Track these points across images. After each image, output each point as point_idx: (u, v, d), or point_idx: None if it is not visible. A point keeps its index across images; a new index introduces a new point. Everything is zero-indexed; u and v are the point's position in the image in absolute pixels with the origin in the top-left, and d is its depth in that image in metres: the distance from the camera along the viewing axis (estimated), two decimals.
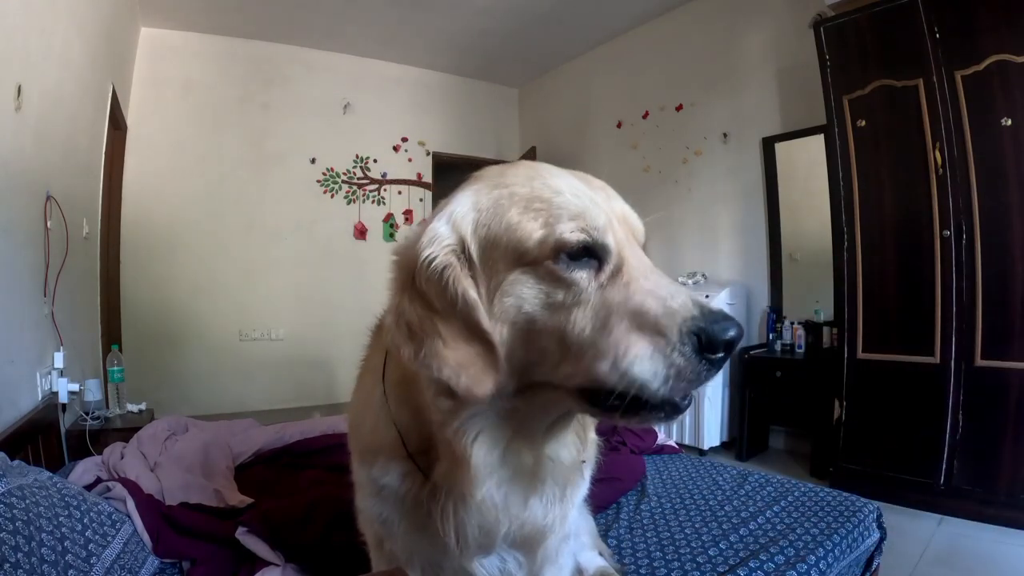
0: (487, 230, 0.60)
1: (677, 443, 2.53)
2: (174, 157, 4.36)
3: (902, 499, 2.54)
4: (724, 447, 3.56)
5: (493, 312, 0.59)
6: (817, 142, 3.35)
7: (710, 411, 3.46)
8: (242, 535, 1.25)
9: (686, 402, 0.57)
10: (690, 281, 3.84)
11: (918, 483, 2.54)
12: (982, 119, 2.38)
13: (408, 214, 5.37)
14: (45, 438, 1.89)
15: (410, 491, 0.73)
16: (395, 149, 5.34)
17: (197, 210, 4.46)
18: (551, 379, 0.59)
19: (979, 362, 2.41)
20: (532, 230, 0.57)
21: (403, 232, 5.30)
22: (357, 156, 5.14)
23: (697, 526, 1.45)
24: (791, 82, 3.54)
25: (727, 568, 1.23)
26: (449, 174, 6.46)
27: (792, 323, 3.43)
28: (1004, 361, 2.34)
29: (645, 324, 0.54)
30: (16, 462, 1.18)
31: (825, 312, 3.33)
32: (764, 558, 1.26)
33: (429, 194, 5.50)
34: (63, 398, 2.11)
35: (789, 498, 1.59)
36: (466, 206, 0.61)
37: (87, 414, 2.29)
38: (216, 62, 4.54)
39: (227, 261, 4.60)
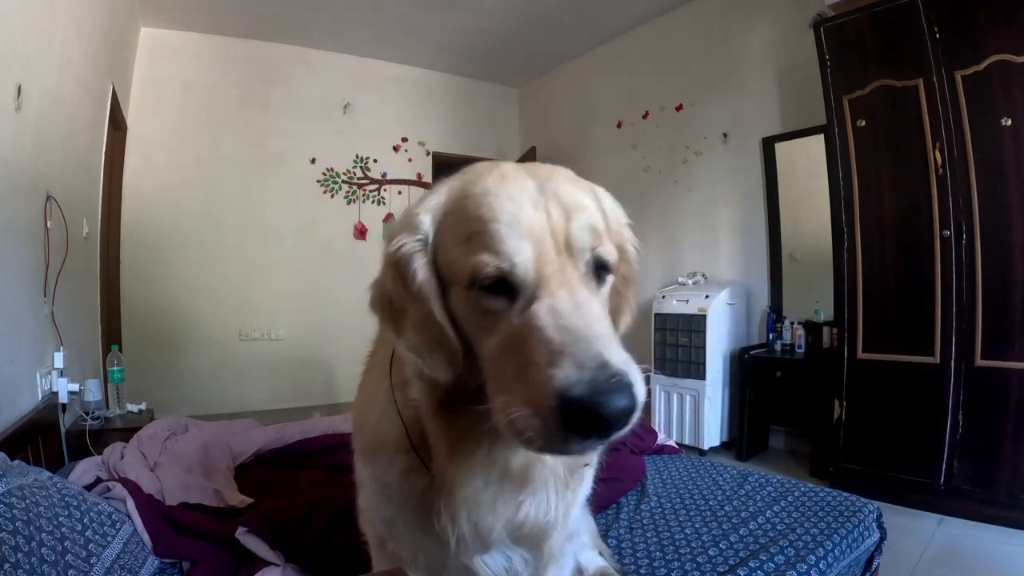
0: (439, 238, 0.62)
1: (677, 443, 2.53)
2: (174, 157, 4.36)
3: (902, 499, 2.54)
4: (724, 447, 3.56)
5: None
6: (817, 142, 3.35)
7: (710, 411, 3.46)
8: (242, 535, 1.25)
9: (576, 452, 0.55)
10: (690, 281, 3.84)
11: (918, 483, 2.54)
12: (982, 119, 2.38)
13: None
14: (45, 438, 1.89)
15: (414, 489, 0.73)
16: (395, 149, 5.34)
17: (197, 210, 4.46)
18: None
19: (979, 362, 2.41)
20: (461, 253, 0.58)
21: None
22: (357, 156, 5.14)
23: (697, 526, 1.45)
24: (791, 82, 3.54)
25: (727, 568, 1.23)
26: (449, 174, 6.47)
27: (792, 323, 3.43)
28: (1004, 361, 2.34)
29: (528, 379, 0.51)
30: (16, 462, 1.18)
31: (825, 312, 3.33)
32: (764, 558, 1.26)
33: None
34: (63, 398, 2.11)
35: (789, 498, 1.59)
36: (439, 203, 0.63)
37: (87, 414, 2.29)
38: (216, 62, 4.54)
39: (227, 261, 4.60)
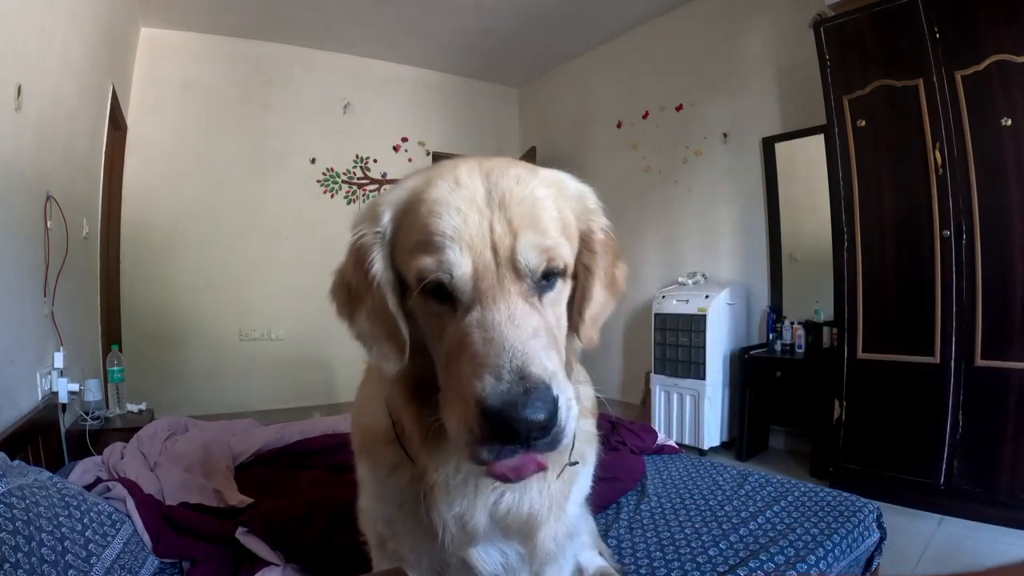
0: (397, 235, 0.64)
1: (677, 443, 2.53)
2: (174, 157, 4.36)
3: (902, 499, 2.54)
4: (724, 447, 3.56)
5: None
6: (817, 142, 3.35)
7: (710, 411, 3.46)
8: (242, 535, 1.25)
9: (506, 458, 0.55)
10: (690, 281, 3.84)
11: (918, 483, 2.54)
12: (982, 119, 2.38)
13: None
14: (45, 438, 1.89)
15: (405, 484, 0.75)
16: (395, 149, 5.34)
17: (197, 210, 4.46)
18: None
19: (979, 362, 2.41)
20: (411, 256, 0.60)
21: None
22: (357, 156, 5.14)
23: (697, 526, 1.45)
24: (791, 82, 3.54)
25: (727, 568, 1.23)
26: None
27: (792, 323, 3.43)
28: (1004, 361, 2.34)
29: (459, 391, 0.54)
30: (16, 462, 1.18)
31: (825, 312, 3.33)
32: (764, 558, 1.26)
33: None
34: (63, 398, 2.11)
35: (789, 498, 1.59)
36: (400, 200, 0.64)
37: (87, 414, 2.29)
38: (216, 62, 4.53)
39: (227, 261, 4.60)
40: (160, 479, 1.55)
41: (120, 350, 2.74)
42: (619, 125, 4.73)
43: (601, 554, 1.26)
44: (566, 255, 0.63)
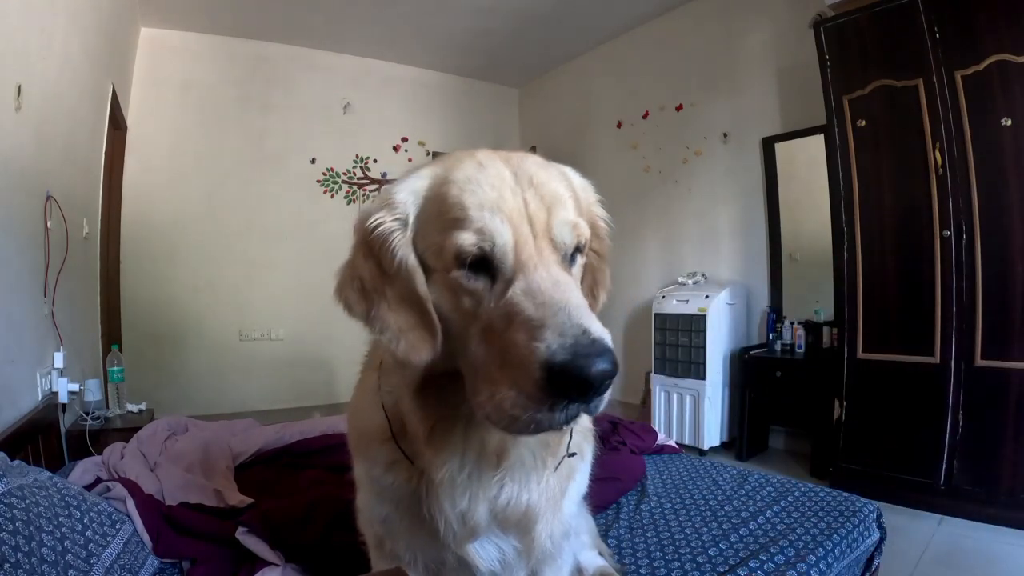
0: (423, 223, 0.63)
1: (677, 443, 2.53)
2: (174, 157, 4.36)
3: (902, 499, 2.54)
4: (724, 447, 3.56)
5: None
6: (817, 142, 3.35)
7: (710, 411, 3.46)
8: (242, 535, 1.25)
9: (570, 420, 0.54)
10: (690, 281, 3.84)
11: (918, 483, 2.54)
12: (982, 119, 2.38)
13: None
14: (45, 438, 1.89)
15: (403, 483, 0.75)
16: (395, 149, 5.34)
17: (197, 210, 4.46)
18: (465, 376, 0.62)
19: (979, 362, 2.41)
20: (443, 238, 0.59)
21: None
22: (357, 156, 5.14)
23: (697, 526, 1.45)
24: (791, 82, 3.54)
25: (727, 568, 1.23)
26: None
27: (792, 323, 3.43)
28: (1004, 361, 2.34)
29: (511, 359, 0.52)
30: (16, 462, 1.18)
31: (825, 312, 3.33)
32: (764, 558, 1.26)
33: None
34: (63, 398, 2.11)
35: (789, 498, 1.59)
36: (420, 186, 0.64)
37: (87, 414, 2.29)
38: (216, 62, 4.53)
39: (227, 261, 4.60)
40: (160, 479, 1.55)
41: (120, 350, 2.74)
42: (619, 125, 4.73)
43: (601, 554, 1.26)
44: (587, 235, 0.65)
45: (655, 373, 3.73)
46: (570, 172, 0.72)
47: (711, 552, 1.30)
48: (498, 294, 0.57)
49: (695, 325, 3.49)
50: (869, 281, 2.75)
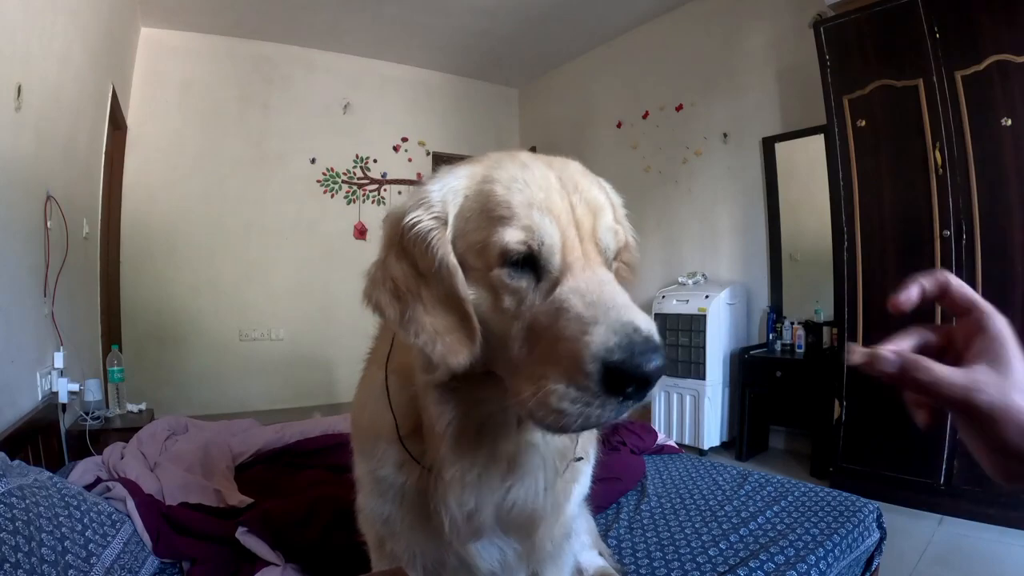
0: (463, 222, 0.61)
1: (677, 443, 2.53)
2: (174, 157, 4.36)
3: (902, 499, 2.54)
4: (724, 447, 3.56)
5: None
6: (817, 142, 3.35)
7: (710, 411, 3.46)
8: (242, 535, 1.25)
9: (619, 415, 0.54)
10: (690, 281, 3.84)
11: (918, 483, 2.54)
12: (982, 119, 2.38)
13: None
14: (45, 438, 1.89)
15: (408, 482, 0.74)
16: (395, 149, 5.34)
17: (197, 210, 4.46)
18: (503, 377, 0.61)
19: None
20: (487, 235, 0.58)
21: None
22: (357, 156, 5.14)
23: (697, 526, 1.45)
24: (791, 82, 3.54)
25: (727, 568, 1.23)
26: None
27: (792, 323, 3.43)
28: None
29: (561, 355, 0.52)
30: (16, 462, 1.18)
31: (825, 312, 3.33)
32: (764, 558, 1.26)
33: None
34: (63, 398, 2.11)
35: (789, 498, 1.59)
36: (459, 185, 0.62)
37: (87, 414, 2.29)
38: (216, 62, 4.54)
39: (227, 261, 4.60)
40: (160, 479, 1.54)
41: (120, 350, 2.74)
42: (619, 125, 4.73)
43: (601, 554, 1.26)
44: (623, 239, 0.66)
45: None
46: (604, 184, 0.73)
47: (711, 552, 1.30)
48: (544, 292, 0.57)
49: (695, 325, 3.49)
50: (869, 281, 2.75)
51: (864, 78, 2.71)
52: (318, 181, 4.96)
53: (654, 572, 1.24)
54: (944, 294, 0.53)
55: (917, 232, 2.58)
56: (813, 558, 1.27)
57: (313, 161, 4.94)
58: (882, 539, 1.53)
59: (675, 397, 3.62)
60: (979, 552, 2.13)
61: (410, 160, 5.40)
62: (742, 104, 3.83)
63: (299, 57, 4.86)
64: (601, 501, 1.53)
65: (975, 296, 0.52)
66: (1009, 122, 2.31)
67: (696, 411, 3.50)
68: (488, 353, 0.60)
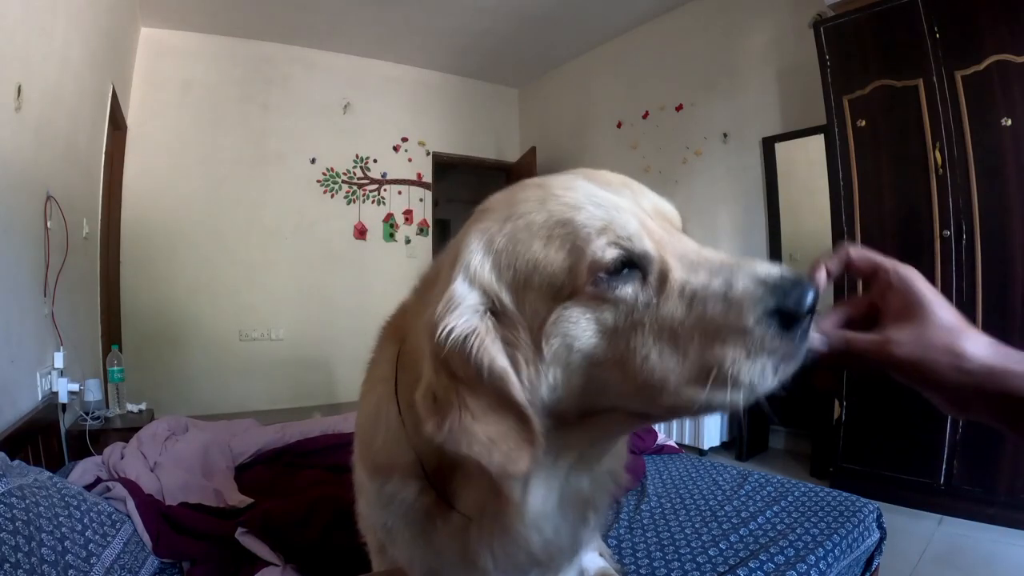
0: (512, 272, 0.53)
1: (677, 443, 2.53)
2: (174, 157, 4.36)
3: (902, 499, 2.54)
4: (724, 447, 3.56)
5: (543, 358, 0.52)
6: (817, 142, 3.34)
7: None
8: (242, 535, 1.25)
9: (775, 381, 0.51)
10: None
11: (918, 483, 2.54)
12: (982, 119, 2.38)
13: (408, 214, 5.37)
14: (45, 438, 1.89)
15: (423, 506, 0.67)
16: (395, 149, 5.34)
17: (197, 210, 4.46)
18: (618, 406, 0.54)
19: None
20: (561, 259, 0.51)
21: (403, 233, 5.31)
22: (357, 156, 5.14)
23: (697, 526, 1.45)
24: (791, 82, 3.54)
25: (727, 568, 1.23)
26: (449, 174, 6.47)
27: None
28: None
29: (718, 331, 0.48)
30: (16, 462, 1.18)
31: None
32: (764, 558, 1.26)
33: (429, 194, 5.51)
34: (63, 398, 2.11)
35: (789, 498, 1.59)
36: (480, 253, 0.54)
37: (87, 414, 2.29)
38: (216, 62, 4.54)
39: (227, 261, 4.60)
40: (160, 479, 1.55)
41: (120, 350, 2.74)
42: (619, 125, 4.73)
43: (601, 554, 1.25)
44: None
45: None
46: None
47: (711, 552, 1.30)
48: (655, 287, 0.51)
49: None
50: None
51: (864, 78, 2.71)
52: (318, 181, 4.96)
53: (654, 572, 1.24)
54: (849, 266, 0.55)
55: (917, 232, 2.58)
56: (813, 558, 1.27)
57: (313, 161, 4.94)
58: (882, 539, 1.53)
59: None
60: (979, 552, 2.13)
61: (410, 160, 5.41)
62: (742, 104, 3.83)
63: (299, 57, 4.86)
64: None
65: (876, 257, 0.53)
66: (1009, 122, 2.31)
67: None
68: (591, 393, 0.53)
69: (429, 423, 0.52)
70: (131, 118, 4.13)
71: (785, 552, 1.28)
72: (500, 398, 0.51)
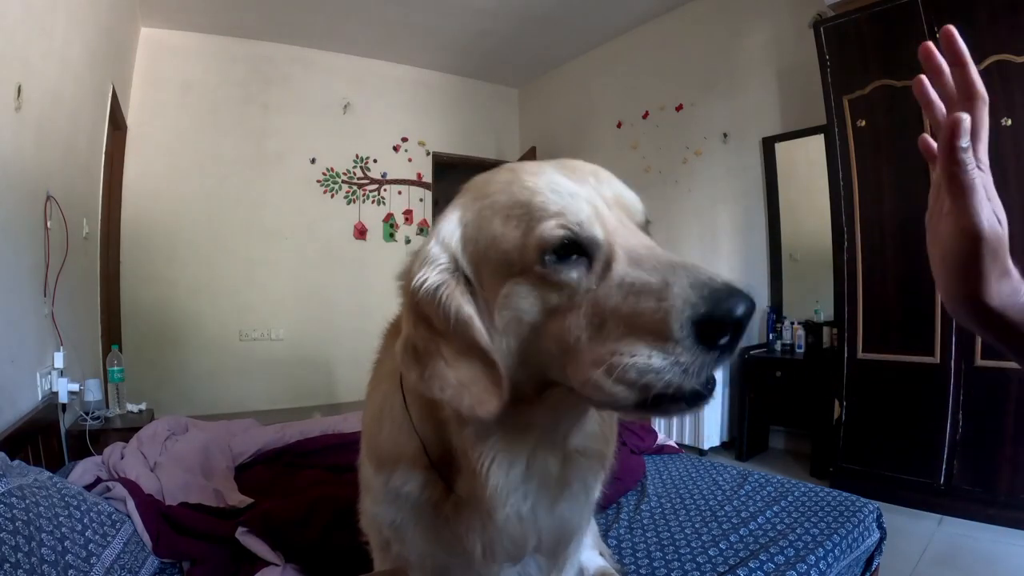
0: (474, 245, 0.58)
1: (677, 443, 2.53)
2: (174, 157, 4.36)
3: (902, 499, 2.54)
4: (724, 447, 3.56)
5: (496, 327, 0.57)
6: (817, 142, 3.35)
7: (710, 411, 3.46)
8: (242, 535, 1.25)
9: (710, 387, 0.52)
10: None
11: (918, 483, 2.54)
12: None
13: (408, 214, 5.37)
14: (45, 438, 1.89)
15: (430, 498, 0.70)
16: (395, 149, 5.34)
17: (197, 210, 4.46)
18: (562, 381, 0.57)
19: (979, 362, 2.41)
20: (516, 237, 0.55)
21: (403, 233, 5.31)
22: (357, 156, 5.14)
23: (697, 526, 1.45)
24: (791, 82, 3.54)
25: (727, 568, 1.23)
26: (449, 174, 6.45)
27: (792, 323, 3.43)
28: (1004, 361, 2.34)
29: (642, 324, 0.49)
30: (16, 462, 1.18)
31: (825, 312, 3.33)
32: (764, 558, 1.26)
33: (429, 194, 5.50)
34: (63, 398, 2.11)
35: (789, 498, 1.59)
36: (453, 224, 0.60)
37: (87, 414, 2.29)
38: (216, 62, 4.54)
39: (227, 261, 4.60)
40: (160, 479, 1.55)
41: (120, 350, 2.74)
42: (619, 125, 4.74)
43: (601, 554, 1.25)
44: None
45: None
46: None
47: (711, 552, 1.30)
48: (599, 274, 0.53)
49: None
50: (869, 281, 2.75)
51: (864, 78, 2.71)
52: (318, 181, 4.96)
53: (654, 572, 1.24)
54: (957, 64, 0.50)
55: (917, 232, 2.55)
56: (813, 558, 1.27)
57: (313, 161, 4.94)
58: (882, 539, 1.53)
59: None
60: (979, 552, 2.13)
61: (410, 160, 5.41)
62: (742, 104, 3.83)
63: (299, 57, 4.86)
64: (601, 501, 1.53)
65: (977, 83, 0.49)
66: (1009, 122, 2.31)
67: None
68: (538, 367, 0.57)
69: (412, 373, 0.58)
70: (131, 118, 4.13)
71: (785, 552, 1.28)
72: (467, 343, 0.56)
